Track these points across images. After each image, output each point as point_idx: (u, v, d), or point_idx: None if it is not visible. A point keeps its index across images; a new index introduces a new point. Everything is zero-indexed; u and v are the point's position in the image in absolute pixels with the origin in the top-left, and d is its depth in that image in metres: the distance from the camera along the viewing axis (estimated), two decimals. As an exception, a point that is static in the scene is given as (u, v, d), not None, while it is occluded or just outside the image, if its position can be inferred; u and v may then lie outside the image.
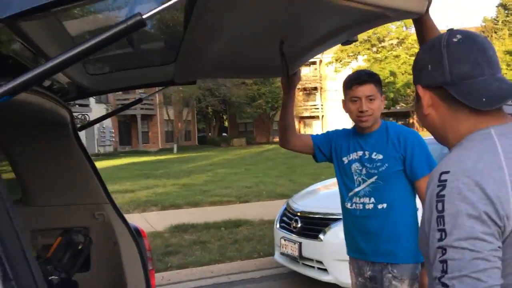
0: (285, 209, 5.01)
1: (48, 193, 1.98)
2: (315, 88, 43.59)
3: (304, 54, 1.78)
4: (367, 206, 2.20)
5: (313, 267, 4.39)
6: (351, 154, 2.27)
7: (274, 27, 1.37)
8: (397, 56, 34.25)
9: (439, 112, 1.08)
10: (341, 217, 4.22)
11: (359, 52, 36.17)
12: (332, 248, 4.22)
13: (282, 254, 4.74)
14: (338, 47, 38.67)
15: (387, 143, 2.19)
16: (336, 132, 2.42)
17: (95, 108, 27.21)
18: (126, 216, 7.45)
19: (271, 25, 1.33)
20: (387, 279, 2.14)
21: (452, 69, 1.03)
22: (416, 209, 2.26)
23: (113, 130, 33.27)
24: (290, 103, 2.20)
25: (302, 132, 44.57)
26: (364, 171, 2.22)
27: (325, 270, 4.25)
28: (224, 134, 44.86)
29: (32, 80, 0.71)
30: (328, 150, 2.37)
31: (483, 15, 37.94)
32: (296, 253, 4.47)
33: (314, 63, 45.55)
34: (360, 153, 2.25)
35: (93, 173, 1.95)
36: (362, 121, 2.18)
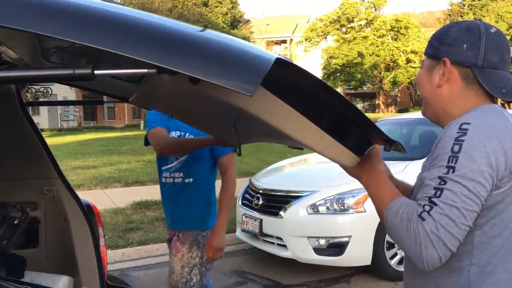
0: (248, 186, 5.05)
1: (-7, 167, 1.91)
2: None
3: (256, 136, 1.76)
4: (176, 180, 2.50)
5: (273, 243, 4.47)
6: (171, 133, 2.51)
7: (226, 110, 1.36)
8: (365, 37, 34.50)
9: (451, 88, 1.17)
10: (302, 194, 4.33)
11: (328, 32, 36.22)
12: (291, 225, 4.30)
13: (243, 230, 4.80)
14: (308, 25, 38.64)
15: None
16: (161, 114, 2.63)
17: (58, 81, 26.30)
18: (88, 192, 7.34)
19: (223, 108, 1.33)
20: (174, 241, 2.50)
21: (485, 55, 1.14)
22: (214, 183, 2.60)
23: (77, 109, 32.36)
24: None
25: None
26: None
27: (284, 246, 4.34)
28: (193, 111, 44.38)
29: None
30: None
31: (450, -1, 38.67)
32: (257, 230, 4.54)
33: (284, 41, 45.36)
34: (178, 133, 2.50)
35: (42, 147, 1.89)
36: None
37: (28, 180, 1.94)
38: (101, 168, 10.67)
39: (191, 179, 2.49)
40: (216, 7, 37.00)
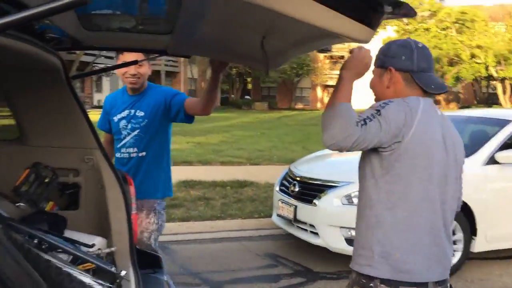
0: (287, 173, 5.13)
1: (41, 134, 2.11)
2: (342, 57, 42.71)
3: (283, 53, 1.83)
4: (131, 155, 2.72)
5: (306, 230, 4.54)
6: (119, 114, 2.76)
7: (255, 23, 1.44)
8: (427, 29, 33.00)
9: (395, 86, 1.69)
10: (337, 184, 4.36)
11: (388, 22, 34.99)
12: (324, 214, 4.35)
13: (279, 215, 4.91)
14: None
15: (150, 101, 2.71)
16: (106, 103, 2.92)
17: (120, 62, 27.35)
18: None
19: (253, 21, 1.40)
20: (134, 209, 2.52)
21: (418, 62, 1.65)
22: (167, 157, 2.81)
23: (136, 85, 33.51)
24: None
25: (326, 101, 44.12)
26: (129, 126, 2.72)
27: (316, 234, 4.40)
28: (247, 96, 44.73)
29: None
30: (108, 122, 2.87)
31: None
32: (291, 216, 4.63)
33: (343, 31, 44.29)
34: (126, 112, 2.74)
35: (84, 119, 2.08)
36: (132, 83, 2.68)
37: (71, 149, 2.13)
38: (153, 146, 11.12)
39: (144, 153, 2.71)
40: None
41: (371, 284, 1.62)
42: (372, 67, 1.73)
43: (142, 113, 2.71)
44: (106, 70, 2.71)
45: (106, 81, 31.41)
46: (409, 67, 1.64)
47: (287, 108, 39.15)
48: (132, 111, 2.74)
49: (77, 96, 2.03)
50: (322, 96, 44.29)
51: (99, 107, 29.00)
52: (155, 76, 34.54)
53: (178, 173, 7.92)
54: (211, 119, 22.06)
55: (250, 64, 2.17)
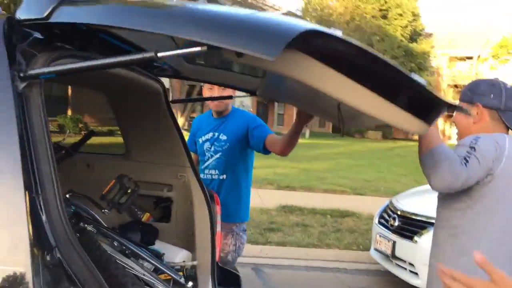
0: (387, 206, 4.90)
1: (143, 151, 2.35)
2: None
3: (358, 119, 1.82)
4: (213, 177, 2.81)
5: (405, 268, 4.27)
6: (204, 136, 2.86)
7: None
8: None
9: (481, 123, 1.77)
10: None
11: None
12: (426, 253, 4.02)
13: (376, 250, 4.68)
14: (497, 40, 34.46)
15: (233, 125, 2.77)
16: (194, 124, 3.04)
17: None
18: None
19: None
20: (219, 227, 2.51)
21: (506, 102, 1.76)
22: (250, 179, 2.87)
23: (251, 110, 35.00)
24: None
25: (448, 133, 41.32)
26: (212, 149, 2.81)
27: (416, 274, 4.11)
28: (360, 125, 43.74)
29: (66, 71, 1.00)
30: (195, 143, 2.96)
31: None
32: (389, 251, 4.39)
33: (470, 57, 41.47)
34: (210, 134, 2.83)
35: (179, 139, 2.26)
36: (216, 106, 2.78)
37: (167, 166, 2.33)
38: (258, 169, 11.41)
39: (224, 176, 2.78)
40: (396, 19, 35.83)
41: None
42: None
43: (225, 137, 2.79)
44: (200, 99, 3.01)
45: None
46: (497, 106, 1.75)
47: (402, 138, 37.40)
48: (216, 134, 2.82)
49: (174, 117, 2.21)
50: (444, 127, 41.49)
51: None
52: (268, 101, 35.66)
53: (280, 198, 8.02)
54: (320, 146, 22.01)
55: (330, 120, 2.17)
